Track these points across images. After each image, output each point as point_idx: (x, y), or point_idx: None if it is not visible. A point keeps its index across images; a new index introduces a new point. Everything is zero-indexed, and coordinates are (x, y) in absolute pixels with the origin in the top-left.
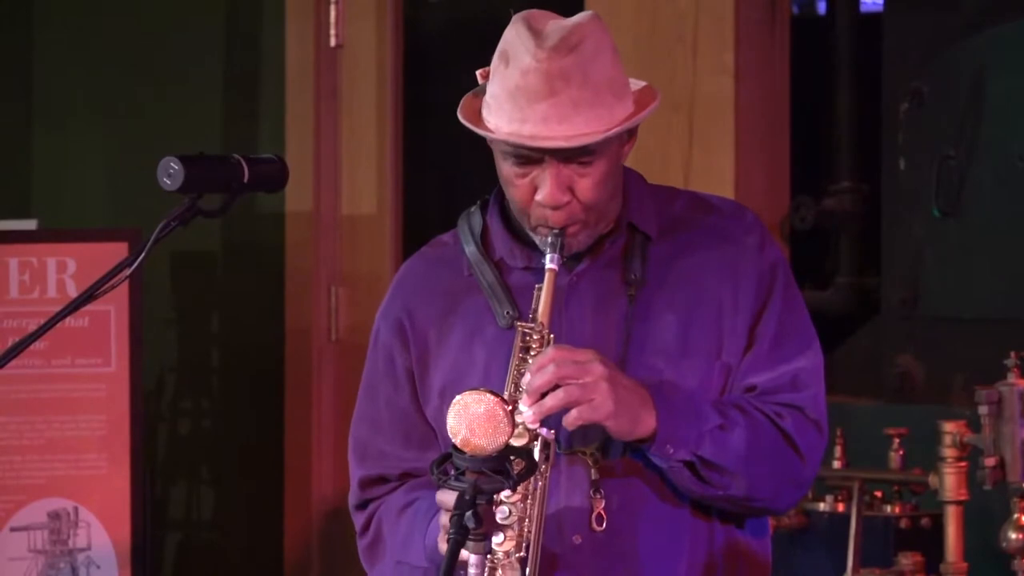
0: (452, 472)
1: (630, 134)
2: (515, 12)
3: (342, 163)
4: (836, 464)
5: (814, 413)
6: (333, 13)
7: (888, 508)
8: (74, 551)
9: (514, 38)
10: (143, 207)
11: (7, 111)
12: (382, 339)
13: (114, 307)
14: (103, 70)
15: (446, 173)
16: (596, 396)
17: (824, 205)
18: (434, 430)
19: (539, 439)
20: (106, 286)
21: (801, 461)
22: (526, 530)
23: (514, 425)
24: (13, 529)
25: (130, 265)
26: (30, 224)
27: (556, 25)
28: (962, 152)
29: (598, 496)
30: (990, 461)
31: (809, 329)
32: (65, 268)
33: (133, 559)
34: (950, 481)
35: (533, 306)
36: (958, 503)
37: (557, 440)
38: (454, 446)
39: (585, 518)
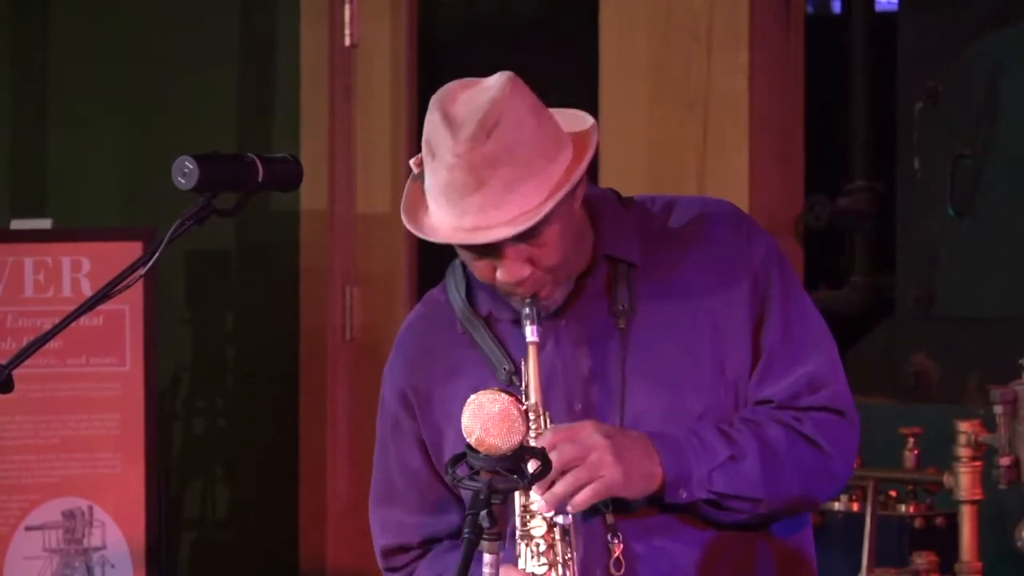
0: (466, 472)
1: (576, 184)
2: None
3: (357, 162)
4: None
5: (838, 407)
6: (348, 12)
7: (903, 507)
8: (89, 550)
9: (433, 131)
10: (158, 206)
11: (22, 110)
12: (387, 405)
13: (129, 306)
14: (118, 70)
15: None
16: (604, 472)
17: (839, 204)
18: (453, 493)
19: (557, 527)
20: (121, 285)
21: (828, 458)
22: None
23: (528, 425)
24: (28, 528)
25: (145, 264)
26: (45, 223)
27: (470, 107)
28: (977, 151)
29: (616, 540)
30: (1005, 460)
31: (816, 322)
32: (80, 267)
33: (148, 558)
34: (965, 480)
35: (523, 383)
36: (973, 502)
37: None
38: (469, 446)
39: (603, 564)
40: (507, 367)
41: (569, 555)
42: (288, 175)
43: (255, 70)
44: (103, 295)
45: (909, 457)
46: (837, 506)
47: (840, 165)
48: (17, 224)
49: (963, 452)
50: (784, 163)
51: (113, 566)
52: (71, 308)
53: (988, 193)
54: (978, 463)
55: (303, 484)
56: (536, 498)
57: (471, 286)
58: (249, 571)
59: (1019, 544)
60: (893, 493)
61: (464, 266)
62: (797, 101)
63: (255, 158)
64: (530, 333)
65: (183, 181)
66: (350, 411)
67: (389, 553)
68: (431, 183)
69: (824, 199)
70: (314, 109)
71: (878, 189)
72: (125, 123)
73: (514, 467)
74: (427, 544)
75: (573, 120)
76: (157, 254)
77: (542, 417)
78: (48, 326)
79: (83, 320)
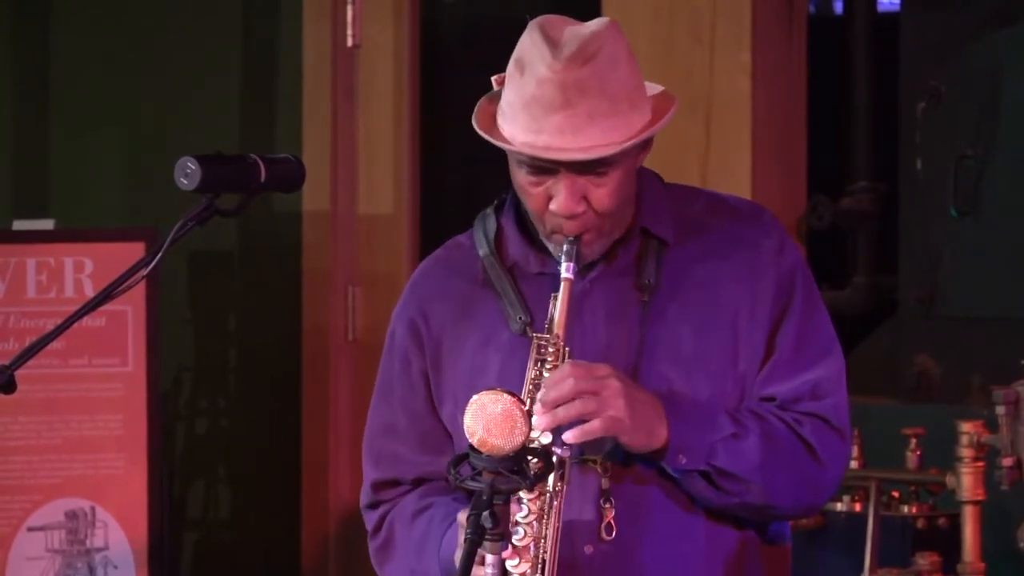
0: (469, 472)
1: (647, 142)
2: (531, 17)
3: (359, 163)
4: (853, 464)
5: (836, 421)
6: (350, 13)
7: (905, 508)
8: (91, 551)
9: (530, 46)
10: (160, 207)
11: (25, 111)
12: (398, 341)
13: (131, 307)
14: (120, 70)
15: (463, 172)
16: (612, 410)
17: (841, 204)
18: (449, 434)
19: (553, 457)
20: (123, 286)
21: (820, 467)
22: (542, 550)
23: (531, 426)
24: (31, 529)
25: (147, 265)
26: (47, 224)
27: (572, 33)
28: (979, 151)
29: (608, 506)
30: (1007, 461)
31: (830, 335)
32: (82, 268)
33: (150, 559)
34: (967, 481)
35: (549, 316)
36: (975, 503)
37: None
38: (471, 446)
39: (595, 528)
40: (523, 318)
41: (559, 486)
42: (290, 176)
43: (257, 71)
44: (105, 296)
45: (911, 458)
46: (839, 507)
47: (843, 165)
48: (20, 225)
49: (965, 453)
50: (787, 163)
51: (116, 567)
52: (73, 309)
53: (990, 193)
54: (980, 464)
55: (305, 485)
56: (537, 419)
57: (501, 236)
58: (251, 571)
59: (1021, 545)
60: (895, 494)
61: (498, 214)
62: (799, 102)
63: (257, 159)
64: (565, 269)
65: (185, 182)
66: (352, 412)
67: (380, 487)
68: (513, 98)
69: (827, 199)
70: (316, 110)
71: (881, 189)
72: (127, 124)
73: (516, 467)
74: (419, 482)
75: (652, 89)
76: (160, 255)
77: (562, 352)
78: (51, 327)
79: (85, 321)
